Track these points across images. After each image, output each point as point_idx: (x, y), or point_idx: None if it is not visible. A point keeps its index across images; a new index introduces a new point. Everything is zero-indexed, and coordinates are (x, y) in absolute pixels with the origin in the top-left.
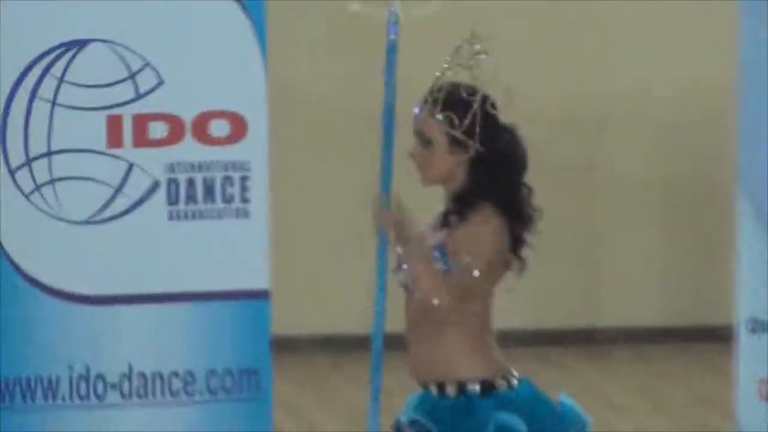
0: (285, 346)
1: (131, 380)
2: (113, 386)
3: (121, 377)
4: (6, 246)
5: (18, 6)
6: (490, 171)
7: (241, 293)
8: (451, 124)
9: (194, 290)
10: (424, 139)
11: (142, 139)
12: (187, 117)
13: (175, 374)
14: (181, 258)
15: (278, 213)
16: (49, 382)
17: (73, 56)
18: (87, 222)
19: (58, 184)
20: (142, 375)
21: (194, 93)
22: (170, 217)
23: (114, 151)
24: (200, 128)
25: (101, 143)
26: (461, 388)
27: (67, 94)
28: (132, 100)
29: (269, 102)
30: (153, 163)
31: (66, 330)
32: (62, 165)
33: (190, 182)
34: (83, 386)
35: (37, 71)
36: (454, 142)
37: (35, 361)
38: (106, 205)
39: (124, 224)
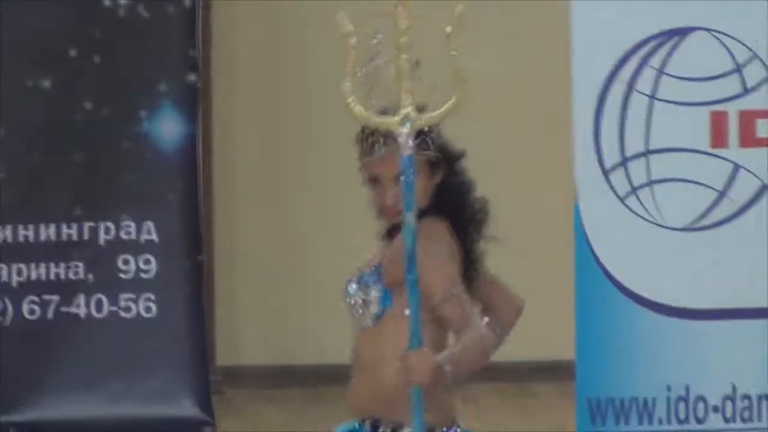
0: None
1: (735, 402)
2: (715, 409)
3: (724, 399)
4: (598, 253)
5: None
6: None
7: None
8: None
9: None
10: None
11: (748, 139)
12: None
13: None
14: None
15: None
16: (645, 404)
17: (675, 46)
18: (687, 228)
19: (656, 187)
20: (747, 397)
21: None
22: None
23: (718, 150)
24: None
25: (704, 142)
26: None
27: (667, 88)
28: (738, 95)
29: None
30: (759, 164)
31: (664, 347)
32: (661, 165)
33: None
34: (682, 408)
35: (634, 62)
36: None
37: (630, 381)
38: (708, 211)
39: (728, 231)
